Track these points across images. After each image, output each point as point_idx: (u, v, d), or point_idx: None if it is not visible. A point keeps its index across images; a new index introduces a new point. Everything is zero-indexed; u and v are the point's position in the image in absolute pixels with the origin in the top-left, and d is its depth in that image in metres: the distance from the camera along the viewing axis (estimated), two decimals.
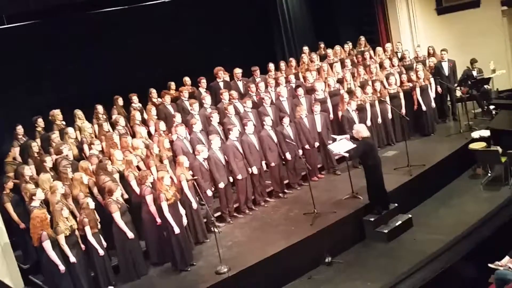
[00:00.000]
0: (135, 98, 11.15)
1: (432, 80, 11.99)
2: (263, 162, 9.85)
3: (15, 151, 9.78)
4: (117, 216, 7.89)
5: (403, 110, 11.46)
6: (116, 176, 8.77)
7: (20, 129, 10.04)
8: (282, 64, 12.64)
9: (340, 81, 11.94)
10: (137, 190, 8.49)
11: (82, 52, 11.92)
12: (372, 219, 8.86)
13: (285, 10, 15.61)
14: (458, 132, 11.51)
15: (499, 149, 9.79)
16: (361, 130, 8.91)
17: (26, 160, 9.48)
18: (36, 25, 11.23)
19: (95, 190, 8.64)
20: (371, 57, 12.87)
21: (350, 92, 11.33)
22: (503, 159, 9.61)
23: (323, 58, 13.18)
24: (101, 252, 7.82)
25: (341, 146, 9.25)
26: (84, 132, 10.13)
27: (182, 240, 8.04)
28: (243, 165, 9.50)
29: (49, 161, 8.95)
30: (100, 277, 7.87)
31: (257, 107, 10.92)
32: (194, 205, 8.68)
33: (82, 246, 7.81)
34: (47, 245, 7.33)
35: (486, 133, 10.68)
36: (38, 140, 10.04)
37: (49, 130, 10.25)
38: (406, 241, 8.66)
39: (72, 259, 7.53)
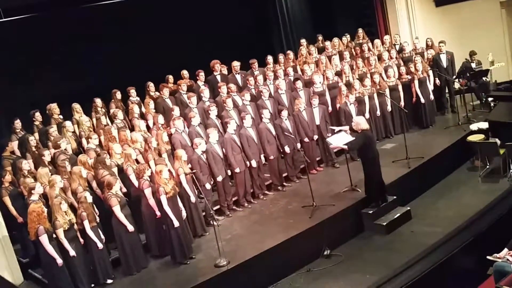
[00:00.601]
0: (133, 92, 11.11)
1: (430, 72, 11.97)
2: (262, 155, 9.85)
3: (13, 145, 9.77)
4: (117, 209, 7.88)
5: (402, 103, 11.46)
6: (115, 169, 8.76)
7: (18, 123, 10.01)
8: (281, 57, 12.60)
9: (339, 73, 11.91)
10: (136, 183, 8.48)
11: (81, 46, 11.87)
12: (371, 212, 8.87)
13: (283, 2, 15.57)
14: (456, 124, 11.50)
15: (498, 141, 9.80)
16: (361, 122, 8.89)
17: (24, 154, 9.47)
18: (34, 19, 11.17)
19: (94, 184, 8.63)
20: (369, 50, 12.84)
21: (349, 85, 11.31)
22: (502, 151, 9.62)
23: (321, 50, 13.13)
24: (100, 245, 7.82)
25: (339, 139, 9.24)
26: (82, 125, 10.11)
27: (182, 234, 8.05)
28: (241, 158, 9.49)
29: (47, 155, 8.93)
30: (99, 270, 7.88)
31: (255, 100, 10.90)
32: (193, 199, 8.69)
33: (81, 240, 7.81)
34: (43, 239, 7.32)
35: (484, 125, 10.69)
36: (36, 134, 10.02)
37: (47, 124, 10.23)
38: (405, 233, 8.66)
39: (72, 252, 7.53)
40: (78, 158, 8.82)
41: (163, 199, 7.89)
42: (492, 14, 13.72)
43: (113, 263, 8.17)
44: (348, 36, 13.62)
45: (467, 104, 12.07)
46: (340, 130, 9.42)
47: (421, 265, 7.37)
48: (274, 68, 12.01)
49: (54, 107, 10.43)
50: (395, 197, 9.12)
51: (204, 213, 9.02)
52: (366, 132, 8.85)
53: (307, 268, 8.17)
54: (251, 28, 14.70)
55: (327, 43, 13.04)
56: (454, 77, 12.24)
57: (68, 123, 9.87)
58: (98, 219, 7.93)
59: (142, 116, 10.58)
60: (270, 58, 12.36)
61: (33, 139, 9.52)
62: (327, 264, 8.19)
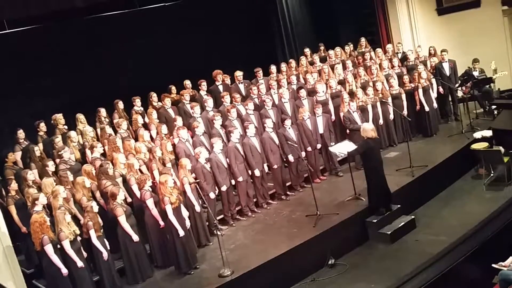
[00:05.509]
0: (138, 101, 11.14)
1: (433, 80, 11.98)
2: (265, 165, 9.84)
3: (16, 155, 9.78)
4: (122, 219, 7.88)
5: (405, 111, 11.45)
6: (119, 180, 8.76)
7: (21, 133, 10.03)
8: (283, 66, 12.63)
9: (342, 82, 11.92)
10: (138, 193, 8.47)
11: (83, 56, 11.94)
12: (375, 221, 8.85)
13: (285, 11, 15.64)
14: (460, 133, 11.48)
15: (502, 149, 9.78)
16: (367, 130, 8.85)
17: (27, 164, 9.48)
18: (37, 30, 11.25)
19: (97, 194, 8.63)
20: (371, 58, 12.85)
21: (352, 94, 11.31)
22: (506, 159, 9.60)
23: (323, 59, 13.17)
24: (106, 255, 7.80)
25: (343, 147, 9.25)
26: (85, 136, 10.12)
27: (186, 243, 8.04)
28: (243, 167, 9.50)
29: (51, 165, 8.94)
30: (106, 280, 7.85)
31: (259, 109, 10.91)
32: (197, 208, 8.68)
33: (84, 253, 7.76)
34: (48, 249, 7.31)
35: (488, 133, 10.67)
36: (40, 145, 10.03)
37: (51, 135, 10.25)
38: (409, 242, 8.64)
39: (80, 263, 7.50)
40: (83, 168, 8.83)
41: (169, 209, 7.89)
42: (494, 22, 13.74)
43: (118, 272, 8.14)
44: (351, 45, 13.65)
45: (470, 112, 12.05)
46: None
47: (426, 274, 7.35)
48: (277, 77, 12.05)
49: (59, 117, 10.46)
50: (399, 205, 9.10)
51: (207, 223, 9.01)
52: (369, 140, 8.83)
53: (312, 277, 8.14)
54: (253, 38, 14.74)
55: (330, 52, 13.07)
56: (457, 85, 12.25)
57: (73, 133, 9.86)
58: (102, 229, 7.92)
59: (145, 126, 10.60)
60: (273, 68, 12.41)
61: (37, 149, 9.55)
62: (331, 274, 8.16)
